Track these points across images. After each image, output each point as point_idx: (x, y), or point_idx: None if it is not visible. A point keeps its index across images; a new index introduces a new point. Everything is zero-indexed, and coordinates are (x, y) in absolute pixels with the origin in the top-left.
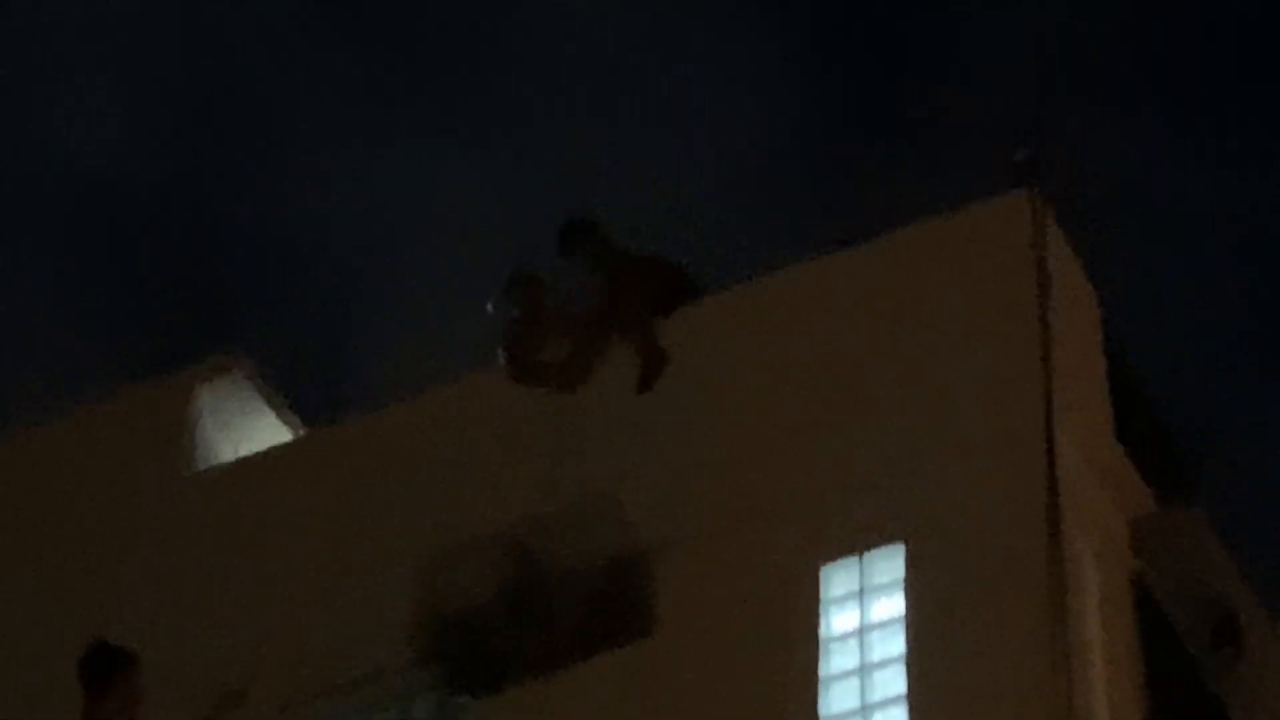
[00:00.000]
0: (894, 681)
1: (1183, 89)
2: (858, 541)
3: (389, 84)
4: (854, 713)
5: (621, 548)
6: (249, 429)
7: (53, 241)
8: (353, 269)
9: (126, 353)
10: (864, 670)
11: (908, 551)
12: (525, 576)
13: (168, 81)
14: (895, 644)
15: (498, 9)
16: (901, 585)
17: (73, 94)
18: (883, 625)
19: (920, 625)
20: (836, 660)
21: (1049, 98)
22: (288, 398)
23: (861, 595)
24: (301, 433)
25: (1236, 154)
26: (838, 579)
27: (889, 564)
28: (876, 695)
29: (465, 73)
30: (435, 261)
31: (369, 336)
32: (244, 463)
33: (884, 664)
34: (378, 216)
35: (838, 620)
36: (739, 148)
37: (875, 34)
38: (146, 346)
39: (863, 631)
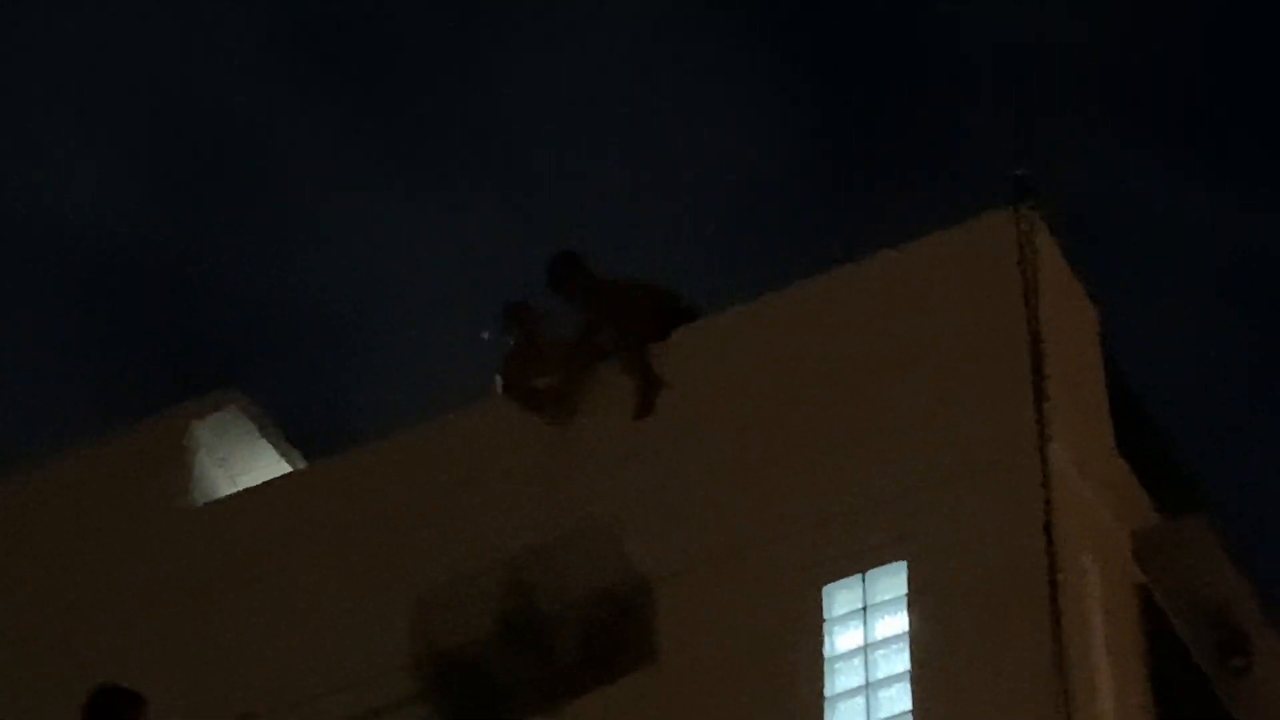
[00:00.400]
0: (899, 699)
1: (1181, 104)
2: (860, 560)
3: (377, 128)
4: None
5: (619, 578)
6: (247, 463)
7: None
8: (348, 306)
9: (124, 393)
10: (869, 688)
11: (910, 569)
12: (522, 609)
13: (156, 130)
14: (900, 661)
15: (485, 45)
16: (904, 602)
17: (59, 145)
18: (887, 643)
19: (924, 642)
20: (841, 679)
21: (1047, 114)
22: (285, 432)
23: (865, 613)
24: (300, 466)
25: (1235, 168)
26: (841, 598)
27: (892, 581)
28: (882, 712)
29: (453, 111)
30: (430, 295)
31: (365, 371)
32: (242, 496)
33: (889, 681)
34: (373, 254)
35: (841, 639)
36: (731, 171)
37: (870, 53)
38: (144, 387)
39: (867, 649)
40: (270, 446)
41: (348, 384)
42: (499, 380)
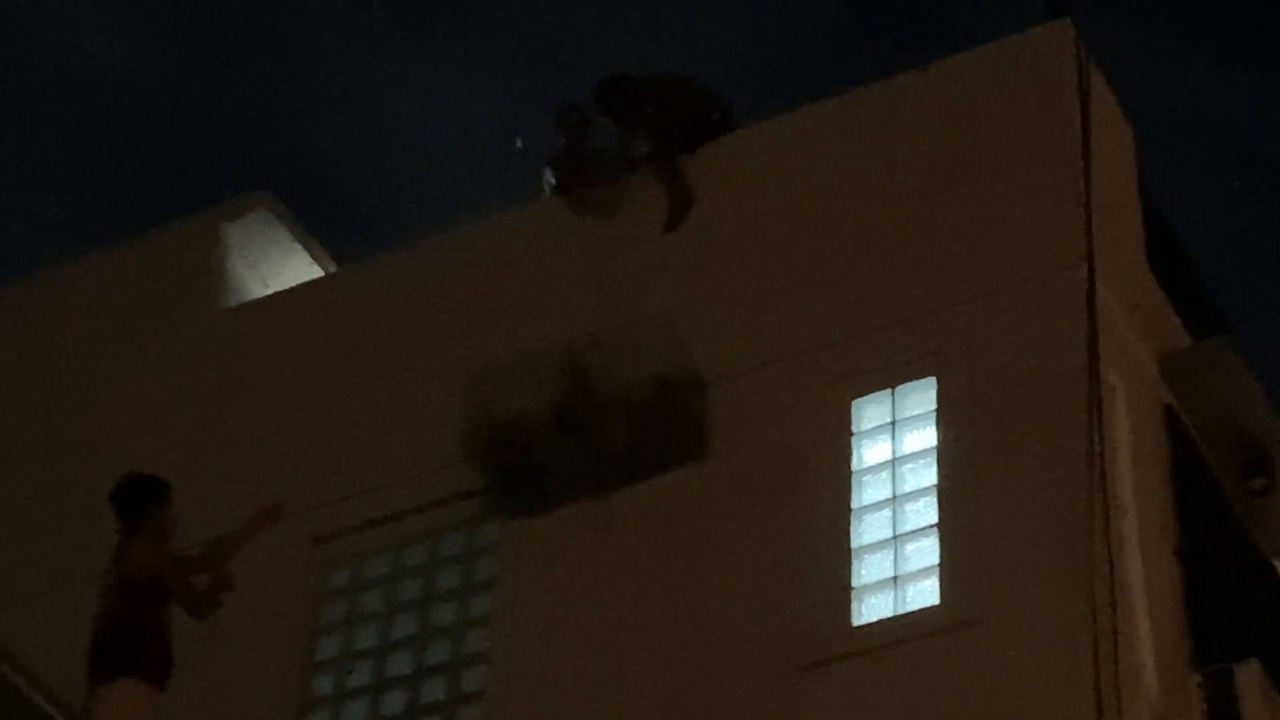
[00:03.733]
0: (925, 512)
1: None
2: (889, 375)
3: None
4: (885, 543)
5: (674, 369)
6: (278, 266)
7: (76, 112)
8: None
9: (157, 197)
10: (896, 501)
11: (939, 385)
12: (576, 391)
13: None
14: (927, 475)
15: None
16: (933, 418)
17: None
18: (914, 457)
19: (951, 457)
20: (869, 492)
21: None
22: (317, 234)
23: (894, 428)
24: (333, 269)
25: None
26: (870, 412)
27: (921, 396)
28: (908, 525)
29: None
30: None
31: (399, 175)
32: (273, 299)
33: (915, 495)
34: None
35: (869, 453)
36: None
37: None
38: (177, 190)
39: (895, 463)
40: (302, 249)
41: (382, 188)
42: (549, 176)
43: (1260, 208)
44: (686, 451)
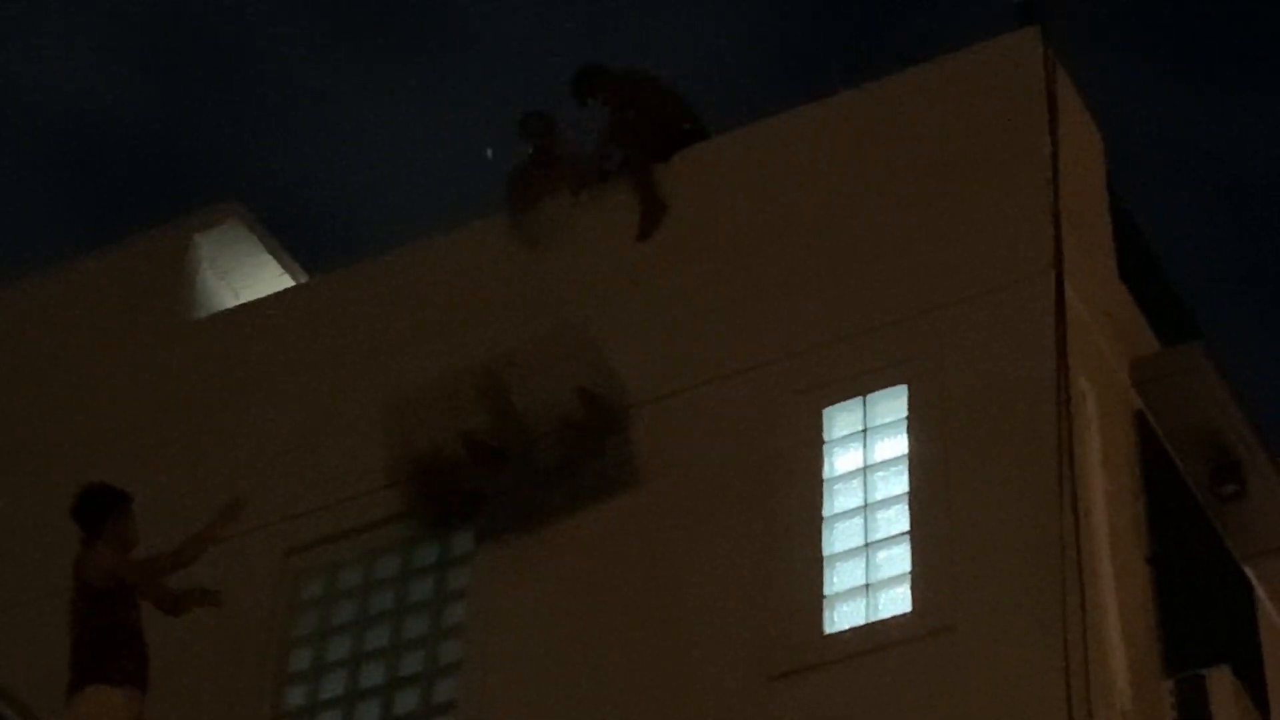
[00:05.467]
0: (897, 519)
1: None
2: (860, 383)
3: None
4: (857, 550)
5: (593, 377)
6: (249, 277)
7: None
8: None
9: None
10: (868, 509)
11: (910, 392)
12: (497, 411)
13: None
14: (899, 483)
15: None
16: (904, 425)
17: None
18: (886, 465)
19: (923, 464)
20: (840, 499)
21: None
22: (288, 245)
23: (865, 435)
24: (304, 279)
25: None
26: (841, 420)
27: (892, 404)
28: (880, 533)
29: None
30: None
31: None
32: (243, 309)
33: (887, 502)
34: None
35: (840, 460)
36: None
37: None
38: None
39: (866, 471)
40: (272, 260)
41: (351, 198)
42: (507, 184)
43: (1230, 213)
44: (616, 476)
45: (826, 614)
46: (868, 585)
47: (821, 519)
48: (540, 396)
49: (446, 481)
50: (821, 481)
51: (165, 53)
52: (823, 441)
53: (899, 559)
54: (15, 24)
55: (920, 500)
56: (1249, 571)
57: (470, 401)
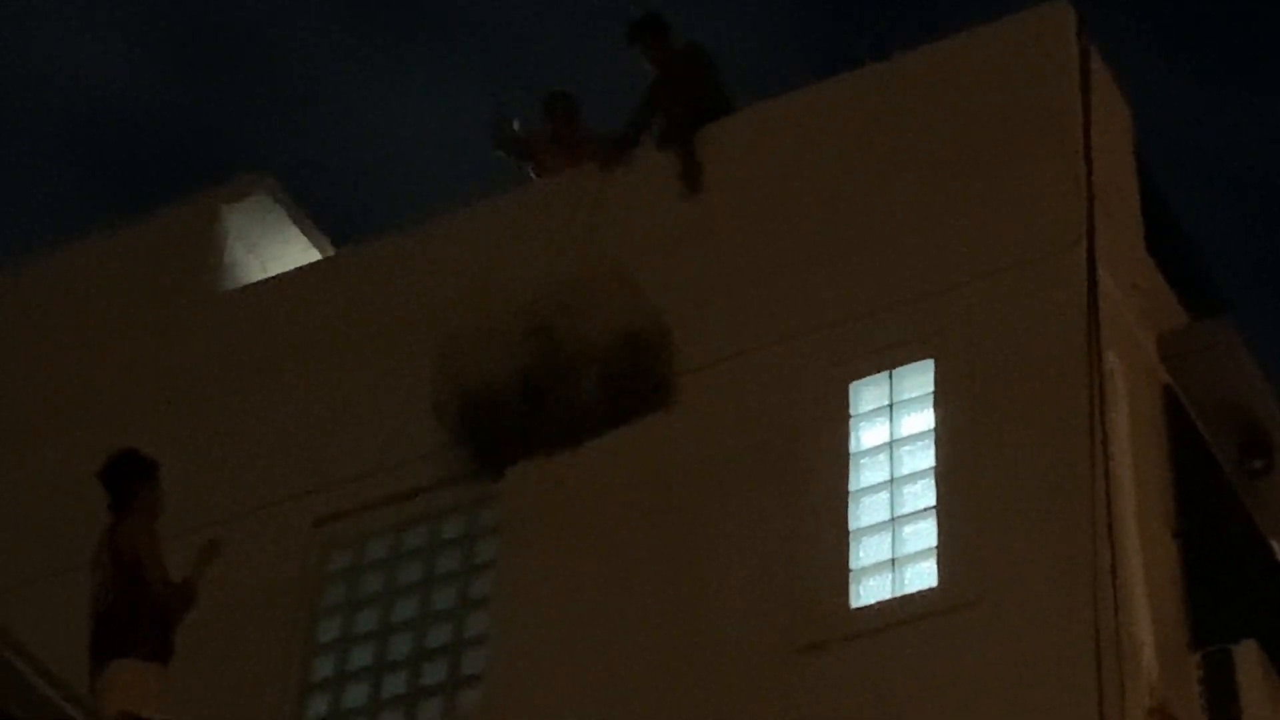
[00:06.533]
0: (923, 494)
1: None
2: (887, 357)
3: None
4: (883, 525)
5: (638, 321)
6: (277, 250)
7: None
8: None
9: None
10: (893, 483)
11: (937, 367)
12: (544, 352)
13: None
14: (925, 457)
15: None
16: (931, 399)
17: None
18: (912, 439)
19: (949, 438)
20: (866, 474)
21: None
22: (315, 218)
23: (891, 410)
24: (332, 252)
25: None
26: (867, 394)
27: (919, 379)
28: (906, 507)
29: None
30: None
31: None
32: (271, 282)
33: (913, 477)
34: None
35: (867, 435)
36: None
37: None
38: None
39: (892, 445)
40: (300, 233)
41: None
42: (531, 168)
43: (1258, 187)
44: (651, 402)
45: (853, 588)
46: (894, 560)
47: (848, 493)
48: (586, 337)
49: (495, 414)
50: (848, 456)
51: (193, 30)
52: (849, 416)
53: (925, 533)
54: (51, 10)
55: (946, 475)
56: (1276, 546)
57: (519, 341)
